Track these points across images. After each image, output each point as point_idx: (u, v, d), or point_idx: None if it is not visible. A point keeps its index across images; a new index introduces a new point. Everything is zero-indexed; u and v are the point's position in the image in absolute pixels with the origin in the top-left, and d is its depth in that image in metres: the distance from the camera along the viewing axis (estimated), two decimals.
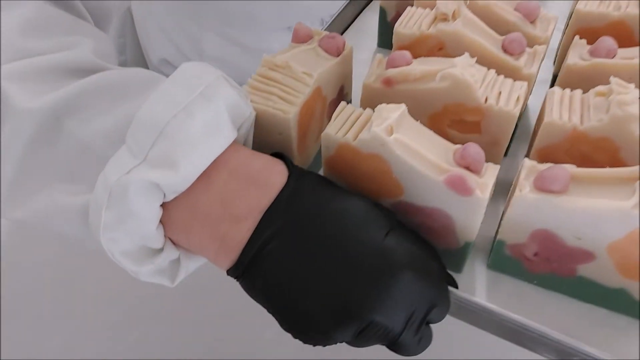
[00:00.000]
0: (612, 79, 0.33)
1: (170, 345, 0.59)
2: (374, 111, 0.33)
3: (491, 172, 0.32)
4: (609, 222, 0.30)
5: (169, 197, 0.30)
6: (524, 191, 0.31)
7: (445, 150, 0.33)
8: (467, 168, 0.32)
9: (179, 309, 0.62)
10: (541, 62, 0.41)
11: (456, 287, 0.35)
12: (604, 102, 0.33)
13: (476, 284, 0.37)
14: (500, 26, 0.42)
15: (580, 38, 0.41)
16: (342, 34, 0.56)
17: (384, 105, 0.33)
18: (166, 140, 0.29)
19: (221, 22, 0.68)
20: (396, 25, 0.42)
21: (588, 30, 0.42)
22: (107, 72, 0.32)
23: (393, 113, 0.32)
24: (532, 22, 0.42)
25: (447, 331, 0.36)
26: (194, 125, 0.29)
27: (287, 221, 0.30)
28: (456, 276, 0.37)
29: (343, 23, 0.57)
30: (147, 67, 0.76)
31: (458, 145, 0.32)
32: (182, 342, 0.59)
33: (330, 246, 0.30)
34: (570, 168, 0.31)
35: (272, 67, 0.37)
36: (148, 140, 0.29)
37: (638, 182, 0.29)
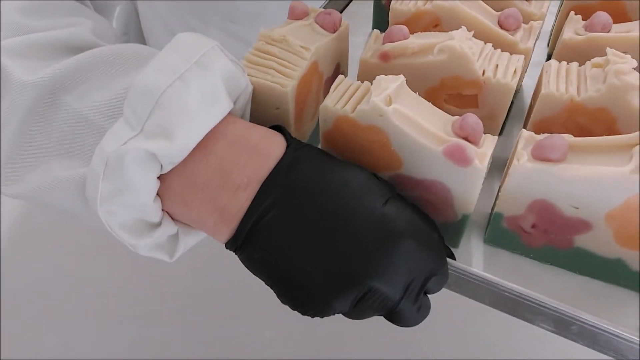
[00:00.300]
0: (609, 50, 0.34)
1: (170, 345, 0.60)
2: (372, 84, 0.33)
3: (489, 143, 0.32)
4: (608, 189, 0.30)
5: (166, 168, 0.30)
6: (522, 160, 0.31)
7: (443, 121, 0.33)
8: (466, 139, 0.32)
9: (179, 309, 0.62)
10: (537, 39, 0.41)
11: (454, 259, 0.35)
12: (601, 73, 0.33)
13: (473, 257, 0.37)
14: (496, 3, 0.42)
15: (577, 12, 0.41)
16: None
17: (382, 76, 0.33)
18: (162, 110, 0.29)
19: (224, 19, 0.68)
20: (392, 1, 0.42)
21: (582, 8, 0.42)
22: (103, 48, 0.32)
23: (392, 84, 0.32)
24: None
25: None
26: (189, 94, 0.29)
27: (286, 191, 0.30)
28: (454, 251, 0.37)
29: (338, 6, 0.57)
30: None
31: (456, 117, 0.32)
32: (181, 342, 0.59)
33: (330, 216, 0.30)
34: (568, 137, 0.31)
35: (269, 41, 0.37)
36: (144, 110, 0.29)
37: (637, 147, 0.29)
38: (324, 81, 0.41)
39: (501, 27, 0.40)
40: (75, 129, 0.31)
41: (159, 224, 0.32)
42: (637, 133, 0.30)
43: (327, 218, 0.29)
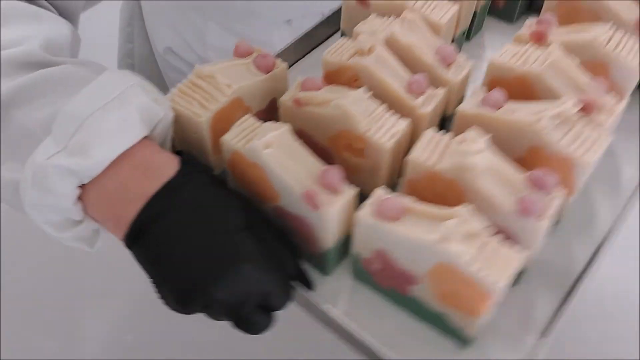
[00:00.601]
0: (470, 129, 0.38)
1: (170, 345, 0.60)
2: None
3: (348, 193, 0.37)
4: (422, 252, 0.34)
5: (85, 181, 0.38)
6: (362, 213, 0.36)
7: (314, 168, 0.38)
8: (327, 186, 0.37)
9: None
10: (440, 103, 0.45)
11: (309, 287, 0.40)
12: (457, 149, 0.37)
13: (335, 287, 0.42)
14: (417, 66, 0.46)
15: (494, 87, 0.45)
16: (310, 51, 0.62)
17: (268, 123, 0.39)
18: (83, 133, 0.36)
19: (223, 15, 0.74)
20: (325, 53, 0.47)
21: (500, 81, 0.46)
22: (53, 69, 0.40)
23: (274, 131, 0.38)
24: (449, 65, 0.47)
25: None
26: (107, 122, 0.37)
27: (165, 208, 0.37)
28: (324, 279, 0.43)
29: (313, 42, 0.62)
30: (153, 55, 0.84)
31: (326, 167, 0.38)
32: (181, 342, 0.60)
33: (193, 234, 0.36)
34: (408, 201, 0.36)
35: (200, 76, 0.44)
36: (69, 131, 0.36)
37: (450, 220, 0.34)
38: (255, 113, 0.47)
39: (409, 90, 0.44)
40: (21, 137, 0.39)
41: (81, 221, 0.40)
42: (455, 209, 0.34)
43: (190, 236, 0.36)
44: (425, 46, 0.47)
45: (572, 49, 0.46)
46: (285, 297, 0.38)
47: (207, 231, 0.36)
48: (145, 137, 0.39)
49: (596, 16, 0.51)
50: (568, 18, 0.52)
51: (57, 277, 0.66)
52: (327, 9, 0.72)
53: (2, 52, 0.40)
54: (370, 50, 0.45)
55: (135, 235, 0.37)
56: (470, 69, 0.47)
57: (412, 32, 0.48)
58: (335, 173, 0.37)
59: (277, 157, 0.38)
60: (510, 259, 0.34)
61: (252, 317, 0.37)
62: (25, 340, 0.62)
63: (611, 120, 0.42)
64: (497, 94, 0.42)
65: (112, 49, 0.97)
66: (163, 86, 0.87)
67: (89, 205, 0.39)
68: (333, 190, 0.37)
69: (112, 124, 0.37)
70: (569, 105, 0.40)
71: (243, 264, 0.35)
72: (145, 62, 0.88)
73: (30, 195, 0.37)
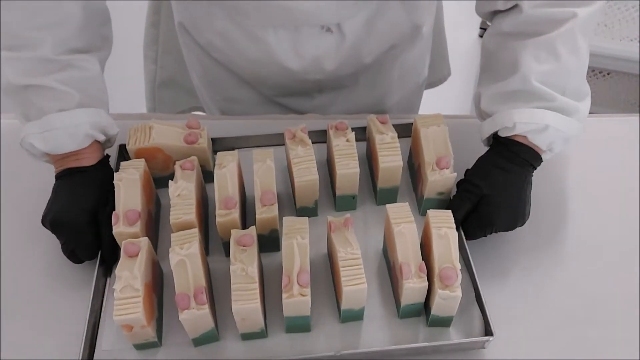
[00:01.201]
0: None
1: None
2: None
3: None
4: None
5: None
6: None
7: None
8: None
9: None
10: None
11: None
12: None
13: None
14: None
15: None
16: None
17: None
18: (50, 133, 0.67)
19: (227, 4, 0.79)
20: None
21: None
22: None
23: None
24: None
25: None
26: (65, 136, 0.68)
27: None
28: None
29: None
30: (174, 26, 0.92)
31: None
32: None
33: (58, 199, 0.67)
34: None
35: (148, 120, 0.72)
36: (44, 128, 0.67)
37: None
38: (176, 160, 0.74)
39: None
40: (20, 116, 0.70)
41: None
42: None
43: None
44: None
45: None
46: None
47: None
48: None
49: None
50: None
51: (57, 277, 0.69)
52: (332, 22, 0.79)
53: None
54: None
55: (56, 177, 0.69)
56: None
57: None
58: None
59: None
60: None
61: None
62: (25, 340, 0.64)
63: None
64: None
65: (140, 18, 1.04)
66: (181, 59, 0.97)
67: (50, 157, 0.70)
68: None
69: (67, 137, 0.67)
70: None
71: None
72: (169, 34, 0.98)
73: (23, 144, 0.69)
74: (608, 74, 1.80)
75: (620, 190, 0.79)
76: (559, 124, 0.68)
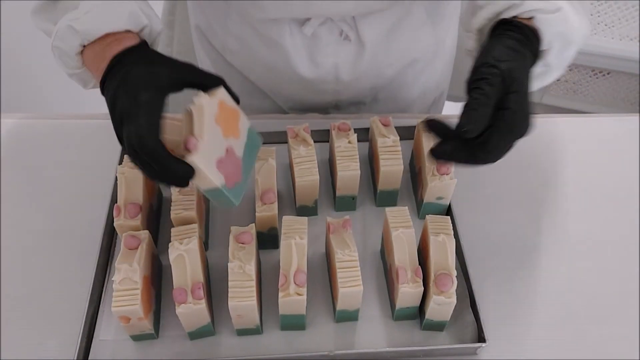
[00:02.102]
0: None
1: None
2: None
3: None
4: None
5: (85, 42, 0.59)
6: None
7: None
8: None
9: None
10: None
11: None
12: None
13: None
14: None
15: None
16: None
17: None
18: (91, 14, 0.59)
19: (241, 5, 0.77)
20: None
21: None
22: None
23: None
24: None
25: None
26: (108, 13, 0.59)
27: (115, 69, 0.56)
28: None
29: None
30: (188, 28, 0.93)
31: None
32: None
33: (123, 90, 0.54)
34: None
35: None
36: (82, 12, 0.59)
37: None
38: None
39: None
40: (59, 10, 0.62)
41: (81, 67, 0.62)
42: None
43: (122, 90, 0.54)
44: None
45: None
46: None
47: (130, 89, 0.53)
48: (129, 31, 0.59)
49: None
50: None
51: (57, 277, 0.69)
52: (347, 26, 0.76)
53: None
54: None
55: (104, 80, 0.56)
56: None
57: None
58: None
59: None
60: None
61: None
62: (25, 340, 0.64)
63: None
64: None
65: None
66: (195, 60, 0.94)
67: (85, 60, 0.61)
68: None
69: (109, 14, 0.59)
70: None
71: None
72: (184, 35, 0.96)
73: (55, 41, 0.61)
74: (608, 73, 1.80)
75: (620, 190, 0.79)
76: (570, 14, 0.59)
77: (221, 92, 0.58)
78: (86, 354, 0.62)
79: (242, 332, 0.64)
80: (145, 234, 0.63)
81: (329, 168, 0.79)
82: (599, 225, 0.76)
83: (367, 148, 0.80)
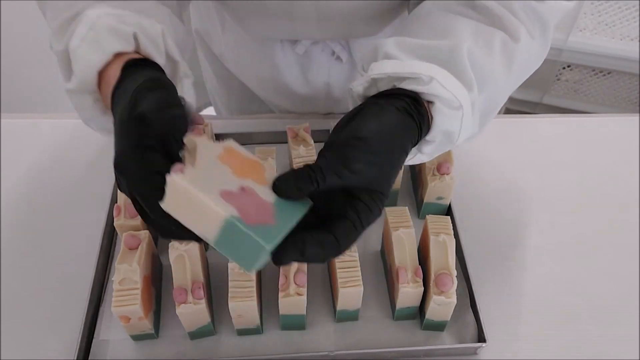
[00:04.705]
0: None
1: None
2: None
3: None
4: None
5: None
6: None
7: None
8: None
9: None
10: None
11: None
12: None
13: None
14: None
15: None
16: None
17: None
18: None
19: (233, 10, 0.75)
20: None
21: None
22: None
23: None
24: None
25: None
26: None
27: (120, 93, 0.47)
28: None
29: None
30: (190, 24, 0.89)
31: None
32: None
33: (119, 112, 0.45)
34: None
35: None
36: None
37: None
38: None
39: None
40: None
41: (94, 92, 0.51)
42: None
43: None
44: None
45: None
46: None
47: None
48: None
49: None
50: None
51: (57, 277, 0.69)
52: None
53: None
54: None
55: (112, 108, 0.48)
56: None
57: None
58: None
59: None
60: None
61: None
62: (25, 340, 0.64)
63: None
64: None
65: None
66: (197, 66, 0.93)
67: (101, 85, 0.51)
68: None
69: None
70: None
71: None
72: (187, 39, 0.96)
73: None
74: (608, 73, 1.80)
75: (620, 190, 0.79)
76: (465, 117, 0.51)
77: (231, 142, 0.48)
78: (86, 354, 0.62)
79: (242, 332, 0.64)
80: (145, 234, 0.63)
81: None
82: (599, 225, 0.76)
83: None
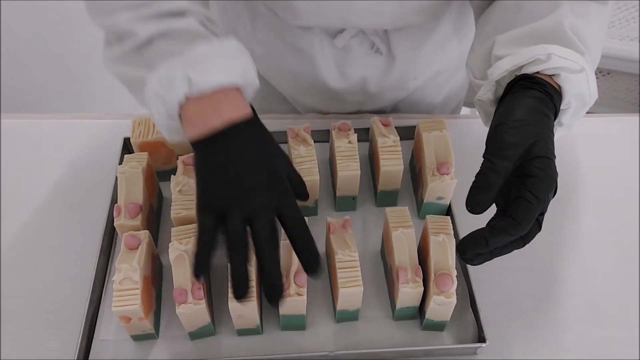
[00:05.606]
0: None
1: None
2: None
3: None
4: None
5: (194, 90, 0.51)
6: None
7: None
8: None
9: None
10: None
11: None
12: None
13: None
14: None
15: None
16: None
17: None
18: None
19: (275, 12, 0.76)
20: None
21: None
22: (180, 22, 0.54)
23: None
24: None
25: None
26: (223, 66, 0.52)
27: (236, 134, 0.51)
28: None
29: None
30: None
31: None
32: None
33: (242, 161, 0.51)
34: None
35: None
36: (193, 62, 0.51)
37: None
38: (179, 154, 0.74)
39: None
40: (157, 57, 0.53)
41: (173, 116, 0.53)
42: None
43: (240, 160, 0.51)
44: None
45: None
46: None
47: (254, 164, 0.50)
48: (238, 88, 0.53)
49: None
50: None
51: (57, 277, 0.69)
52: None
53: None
54: None
55: (206, 141, 0.50)
56: None
57: None
58: None
59: None
60: None
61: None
62: (25, 340, 0.63)
63: None
64: None
65: None
66: None
67: (185, 110, 0.52)
68: None
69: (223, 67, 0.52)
70: None
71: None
72: None
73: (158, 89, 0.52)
74: (608, 73, 1.80)
75: (621, 190, 0.79)
76: (590, 76, 0.56)
77: None
78: (86, 354, 0.62)
79: (242, 332, 0.64)
80: (145, 234, 0.63)
81: (329, 168, 0.79)
82: (599, 225, 0.76)
83: (367, 148, 0.80)
